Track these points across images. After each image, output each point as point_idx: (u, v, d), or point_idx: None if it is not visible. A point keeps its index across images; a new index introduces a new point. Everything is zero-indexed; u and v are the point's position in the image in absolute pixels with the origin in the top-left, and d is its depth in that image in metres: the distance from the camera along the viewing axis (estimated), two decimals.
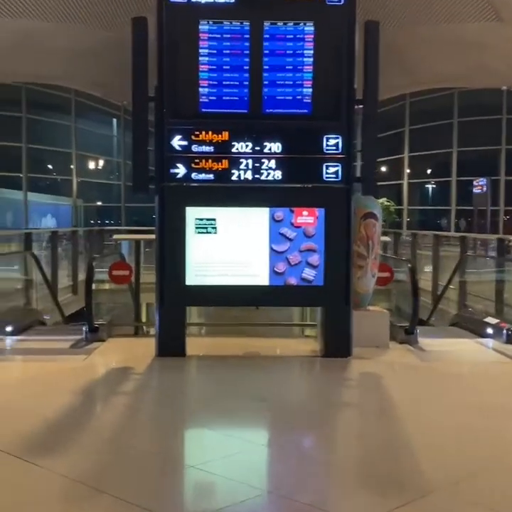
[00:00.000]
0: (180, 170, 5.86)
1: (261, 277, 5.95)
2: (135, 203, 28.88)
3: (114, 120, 30.30)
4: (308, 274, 5.93)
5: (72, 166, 28.88)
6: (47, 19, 18.94)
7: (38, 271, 9.54)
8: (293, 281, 5.94)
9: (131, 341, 6.90)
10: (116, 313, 8.09)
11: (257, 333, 7.12)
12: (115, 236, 9.04)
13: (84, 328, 6.65)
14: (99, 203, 31.90)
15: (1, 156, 27.10)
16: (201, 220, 5.94)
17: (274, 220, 5.94)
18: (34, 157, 27.47)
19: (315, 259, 5.94)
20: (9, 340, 6.76)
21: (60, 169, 30.17)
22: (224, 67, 5.88)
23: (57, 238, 12.19)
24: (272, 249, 5.94)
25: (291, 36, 5.87)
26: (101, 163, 30.74)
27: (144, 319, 8.75)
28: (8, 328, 7.05)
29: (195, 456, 3.60)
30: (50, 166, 30.66)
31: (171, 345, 5.91)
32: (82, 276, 13.13)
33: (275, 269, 5.95)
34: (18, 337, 6.99)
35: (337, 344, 5.96)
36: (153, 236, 6.24)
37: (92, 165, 30.39)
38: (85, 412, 4.32)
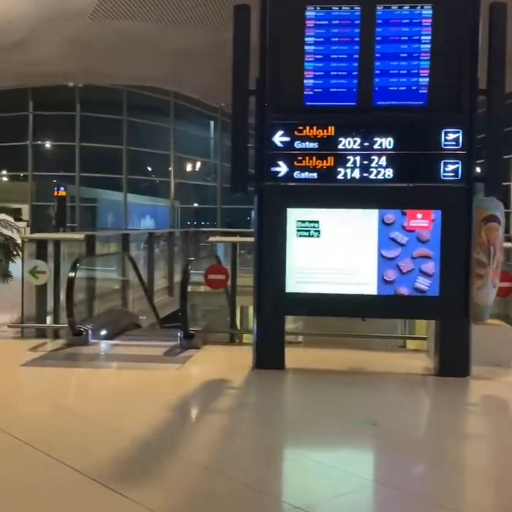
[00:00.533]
0: (282, 168, 5.44)
1: (368, 286, 5.43)
2: (230, 205, 28.87)
3: (212, 122, 30.41)
4: (422, 283, 5.35)
5: (170, 168, 29.19)
6: (150, 21, 19.13)
7: (134, 272, 9.42)
8: (404, 290, 5.38)
9: (227, 350, 6.53)
10: (211, 318, 7.76)
11: (355, 344, 6.61)
12: (211, 238, 8.73)
13: (179, 334, 6.36)
14: (195, 205, 32.14)
15: (103, 158, 27.76)
16: (303, 222, 5.48)
17: (383, 223, 5.40)
18: (134, 159, 27.95)
19: (429, 267, 5.35)
20: (104, 345, 6.57)
21: (159, 171, 30.59)
22: (331, 56, 5.40)
23: (154, 239, 12.10)
24: (381, 255, 5.41)
25: (407, 21, 5.32)
26: (198, 165, 30.94)
27: (239, 323, 8.39)
28: (104, 332, 6.88)
29: (299, 494, 3.13)
30: (149, 168, 31.16)
31: (269, 357, 5.49)
32: (177, 277, 13.06)
33: (384, 277, 5.40)
34: (113, 341, 6.80)
35: (454, 362, 5.34)
36: (250, 239, 5.86)
37: (189, 167, 30.64)
38: (178, 433, 3.96)
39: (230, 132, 5.62)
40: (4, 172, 28.04)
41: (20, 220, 20.91)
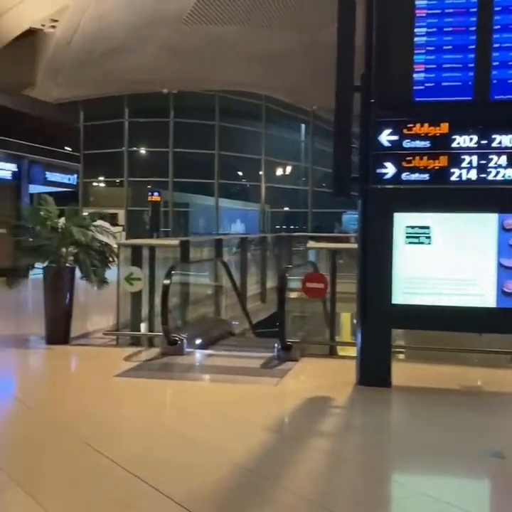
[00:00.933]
0: (389, 169, 5.03)
1: (486, 298, 4.92)
2: (321, 209, 28.46)
3: (303, 125, 30.09)
4: None
5: (260, 172, 29.10)
6: (241, 24, 19.08)
7: (226, 278, 9.22)
8: None
9: (327, 363, 6.16)
10: (308, 329, 7.42)
11: (463, 358, 6.10)
12: (309, 244, 8.39)
13: (276, 345, 6.05)
14: (286, 209, 31.91)
15: (195, 164, 28.01)
16: (413, 228, 5.05)
17: (503, 229, 4.89)
18: (225, 164, 28.05)
19: None
20: (199, 355, 6.36)
21: (249, 175, 30.58)
22: (444, 47, 4.95)
23: (247, 244, 11.89)
24: (500, 264, 4.89)
25: None
26: (288, 168, 30.69)
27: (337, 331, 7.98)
28: (199, 341, 6.68)
29: None
30: (239, 173, 31.22)
31: (375, 374, 5.09)
32: (270, 283, 12.80)
33: (504, 288, 4.88)
34: (208, 351, 6.58)
35: None
36: (350, 245, 5.48)
37: (279, 171, 30.44)
38: (281, 459, 3.63)
39: (332, 131, 5.26)
40: (101, 178, 28.79)
41: (117, 225, 21.32)
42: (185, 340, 6.27)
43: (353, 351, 5.93)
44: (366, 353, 5.11)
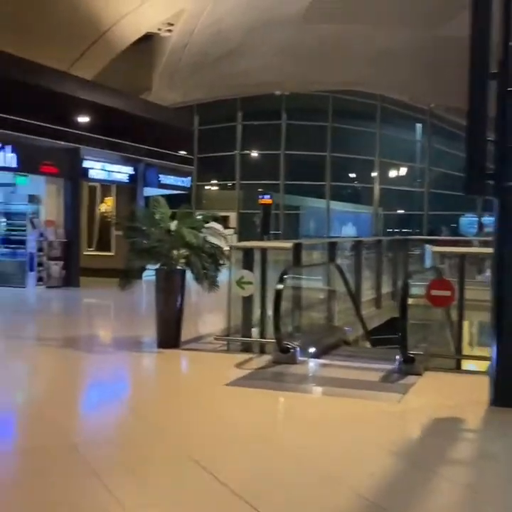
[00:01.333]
0: None
1: None
2: (437, 211, 27.34)
3: (418, 125, 29.02)
4: None
5: (373, 174, 28.35)
6: (356, 22, 18.57)
7: (339, 282, 8.80)
8: None
9: (454, 378, 5.62)
10: (431, 340, 6.86)
11: None
12: (434, 248, 7.82)
13: (397, 357, 5.59)
14: (400, 211, 30.93)
15: (306, 166, 27.72)
16: None
17: None
18: (337, 165, 27.56)
19: None
20: (313, 365, 6.01)
21: (361, 177, 29.90)
22: None
23: (361, 247, 11.40)
24: None
25: None
26: (402, 170, 29.71)
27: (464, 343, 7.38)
28: (312, 349, 6.32)
29: None
30: (351, 175, 30.59)
31: None
32: (385, 288, 12.25)
33: None
34: (322, 360, 6.21)
35: None
36: (482, 250, 4.93)
37: (393, 172, 29.54)
38: (407, 489, 3.20)
39: (466, 123, 4.74)
40: (214, 181, 29.11)
41: (228, 227, 21.40)
42: (298, 349, 5.94)
43: (482, 365, 5.39)
44: (502, 370, 4.56)
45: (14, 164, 11.88)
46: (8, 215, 13.01)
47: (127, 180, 15.06)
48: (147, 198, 14.50)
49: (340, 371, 5.87)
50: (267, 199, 25.83)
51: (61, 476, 3.33)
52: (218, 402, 4.78)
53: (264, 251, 6.93)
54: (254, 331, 6.86)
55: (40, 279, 12.70)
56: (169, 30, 17.16)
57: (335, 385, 5.31)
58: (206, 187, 28.66)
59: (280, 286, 6.06)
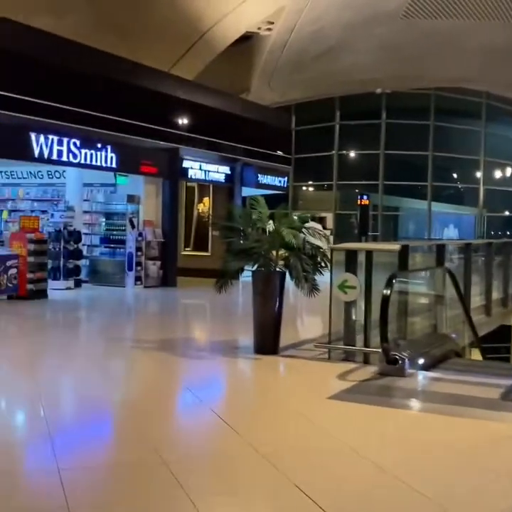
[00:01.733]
0: None
1: None
2: None
3: None
4: None
5: (478, 174, 27.05)
6: (459, 18, 17.67)
7: (445, 287, 8.21)
8: None
9: None
10: None
11: None
12: None
13: None
14: (506, 213, 29.41)
15: (406, 166, 26.84)
16: None
17: None
18: (438, 165, 26.49)
19: None
20: (423, 379, 5.51)
21: (464, 177, 28.64)
22: None
23: (470, 250, 10.69)
24: None
25: None
26: (509, 170, 28.21)
27: None
28: (422, 361, 5.82)
29: None
30: (454, 175, 29.37)
31: None
32: (495, 294, 11.53)
33: None
34: (434, 374, 5.69)
35: None
36: None
37: (498, 172, 28.09)
38: None
39: None
40: (310, 182, 28.72)
41: (325, 228, 21.00)
42: (406, 360, 5.45)
43: None
44: None
45: (114, 164, 11.99)
46: (108, 215, 13.18)
47: (224, 180, 14.96)
48: (244, 198, 14.33)
49: (453, 386, 5.35)
50: (365, 200, 25.19)
51: (153, 494, 3.06)
52: (320, 419, 4.38)
53: (369, 253, 6.47)
54: (358, 339, 6.42)
55: (138, 279, 12.77)
56: (269, 29, 16.91)
57: (449, 402, 4.80)
58: (303, 188, 28.32)
59: (387, 292, 5.60)
